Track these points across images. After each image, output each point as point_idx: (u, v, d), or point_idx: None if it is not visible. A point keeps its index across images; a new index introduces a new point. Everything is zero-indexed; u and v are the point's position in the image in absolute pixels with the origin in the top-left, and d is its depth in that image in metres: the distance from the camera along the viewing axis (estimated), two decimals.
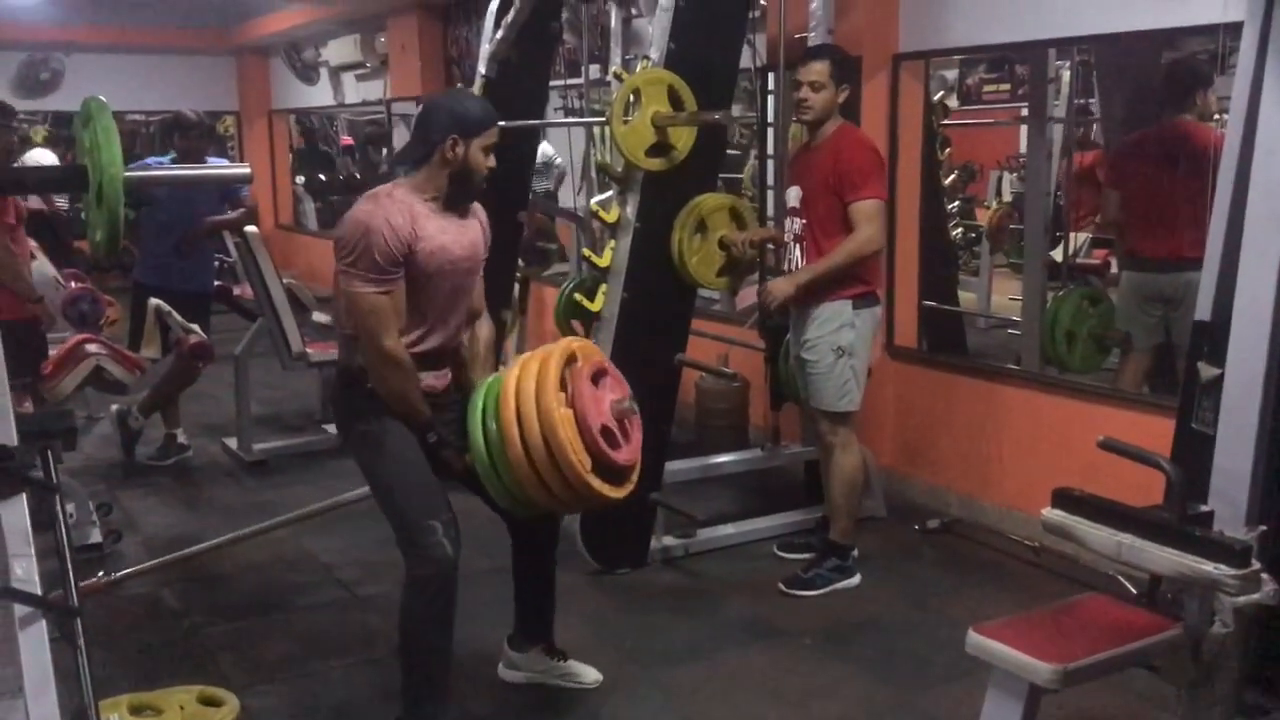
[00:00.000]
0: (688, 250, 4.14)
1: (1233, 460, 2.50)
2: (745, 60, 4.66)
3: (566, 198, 7.62)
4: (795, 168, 4.26)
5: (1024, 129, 8.05)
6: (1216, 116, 4.48)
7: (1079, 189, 6.79)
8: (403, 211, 2.86)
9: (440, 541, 2.83)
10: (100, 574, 3.49)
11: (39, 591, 1.91)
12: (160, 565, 4.09)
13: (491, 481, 2.83)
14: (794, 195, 4.17)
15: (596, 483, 2.78)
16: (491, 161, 2.98)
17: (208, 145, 5.91)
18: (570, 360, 2.86)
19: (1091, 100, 6.78)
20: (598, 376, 2.88)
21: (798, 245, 4.13)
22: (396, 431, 2.95)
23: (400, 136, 10.25)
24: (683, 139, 4.03)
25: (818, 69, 3.98)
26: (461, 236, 3.00)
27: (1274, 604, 2.27)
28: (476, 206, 3.11)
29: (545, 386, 2.74)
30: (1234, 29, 3.05)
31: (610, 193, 5.19)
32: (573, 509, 2.91)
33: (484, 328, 3.20)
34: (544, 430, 2.71)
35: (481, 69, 5.38)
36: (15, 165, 5.30)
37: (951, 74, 8.92)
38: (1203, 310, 2.67)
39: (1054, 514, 2.49)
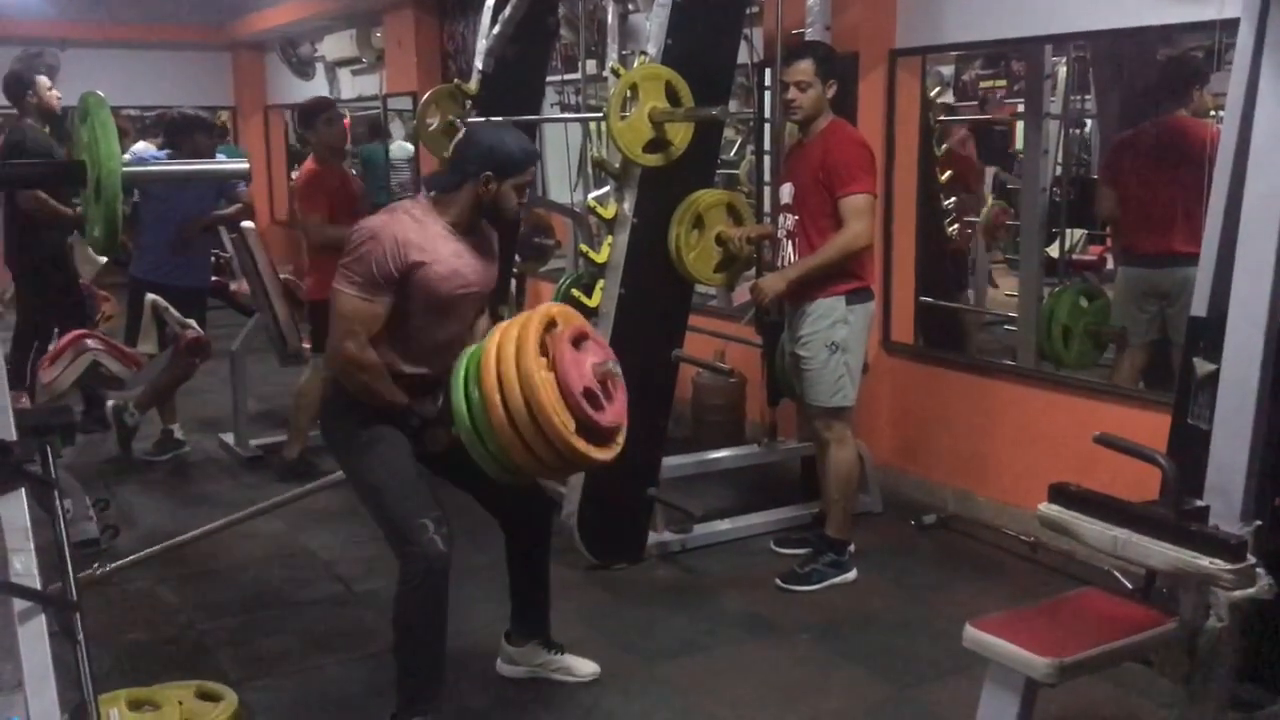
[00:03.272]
0: (685, 246, 4.15)
1: (1228, 455, 2.51)
2: (742, 56, 4.66)
3: (563, 193, 7.61)
4: (788, 164, 4.27)
5: (1020, 125, 8.05)
6: (1212, 113, 4.48)
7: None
8: (416, 229, 2.87)
9: (432, 538, 2.83)
10: (95, 566, 3.49)
11: (38, 586, 1.92)
12: (151, 555, 4.06)
13: (476, 448, 2.79)
14: (787, 192, 4.18)
15: (581, 444, 2.75)
16: (524, 198, 2.99)
17: (217, 142, 5.90)
18: (550, 325, 2.84)
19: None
20: (578, 340, 2.85)
21: (790, 241, 4.14)
22: (383, 436, 2.95)
23: (396, 131, 10.26)
24: (680, 135, 4.03)
25: (802, 68, 3.98)
26: (476, 261, 3.01)
27: (1269, 598, 2.28)
28: (488, 230, 3.12)
29: (525, 350, 2.72)
30: (1230, 25, 3.06)
31: (607, 188, 5.20)
32: (560, 473, 2.87)
33: (482, 321, 3.20)
34: (525, 393, 2.69)
35: (478, 64, 5.38)
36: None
37: (948, 70, 8.91)
38: (1199, 306, 2.68)
39: (1050, 509, 2.50)
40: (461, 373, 2.81)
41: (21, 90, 5.83)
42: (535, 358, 2.73)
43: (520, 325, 2.80)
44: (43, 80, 5.87)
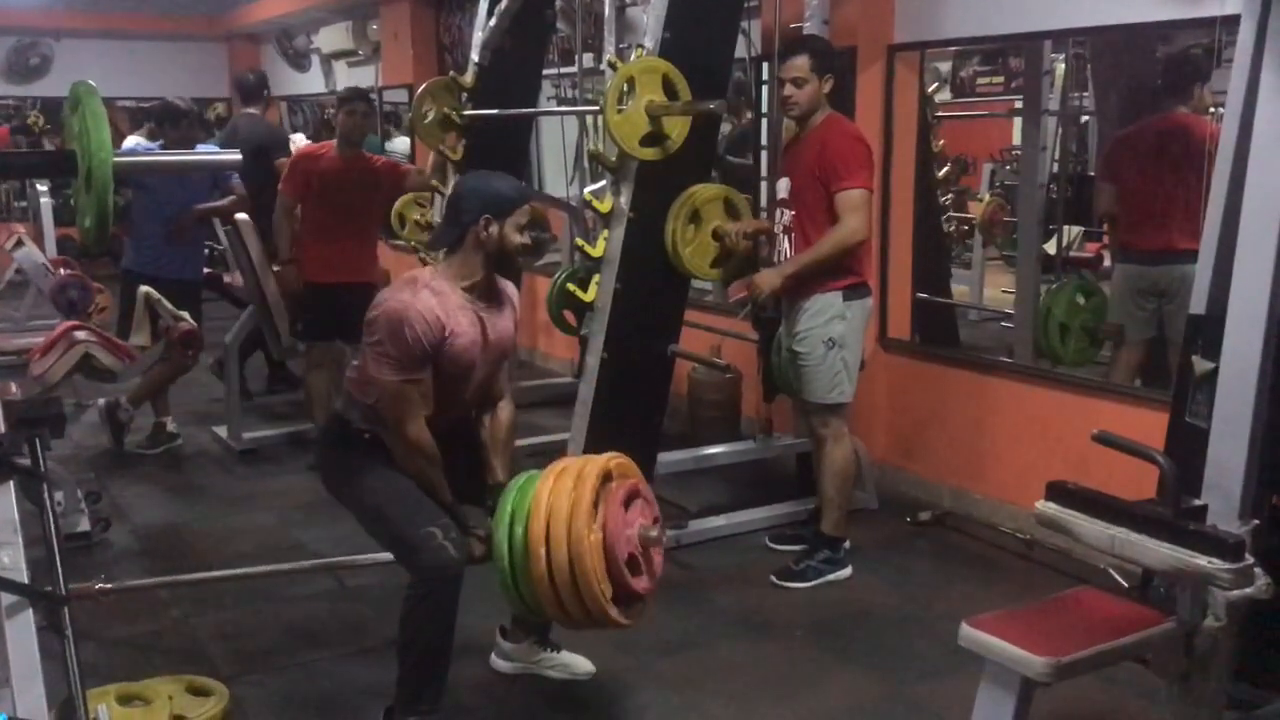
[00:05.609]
0: (681, 241, 4.12)
1: (1226, 454, 2.49)
2: (740, 50, 4.64)
3: (559, 187, 7.59)
4: (786, 159, 4.26)
5: (1018, 122, 8.04)
6: (1211, 110, 4.47)
7: None
8: (438, 304, 2.85)
9: (442, 544, 2.81)
10: (97, 581, 3.43)
11: (26, 580, 1.90)
12: (162, 585, 3.97)
13: (508, 588, 2.78)
14: (784, 187, 4.17)
15: (614, 612, 2.72)
16: (526, 239, 2.96)
17: (200, 134, 5.90)
18: (605, 479, 2.78)
19: None
20: (630, 498, 2.80)
21: (787, 237, 4.13)
22: (380, 462, 2.94)
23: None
24: (677, 129, 4.01)
25: (798, 64, 3.96)
26: (495, 326, 3.00)
27: (1266, 598, 2.26)
28: (507, 285, 3.10)
29: (579, 509, 2.67)
30: (1230, 22, 3.04)
31: (603, 182, 5.18)
32: (580, 626, 2.85)
33: (505, 411, 3.16)
34: (571, 555, 2.65)
35: (474, 57, 5.35)
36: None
37: (945, 66, 8.91)
38: (1197, 304, 2.66)
39: (1047, 507, 2.48)
40: (508, 509, 2.76)
41: (261, 90, 7.12)
42: (588, 519, 2.67)
43: (576, 477, 2.73)
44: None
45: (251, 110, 7.04)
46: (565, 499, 2.69)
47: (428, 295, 2.86)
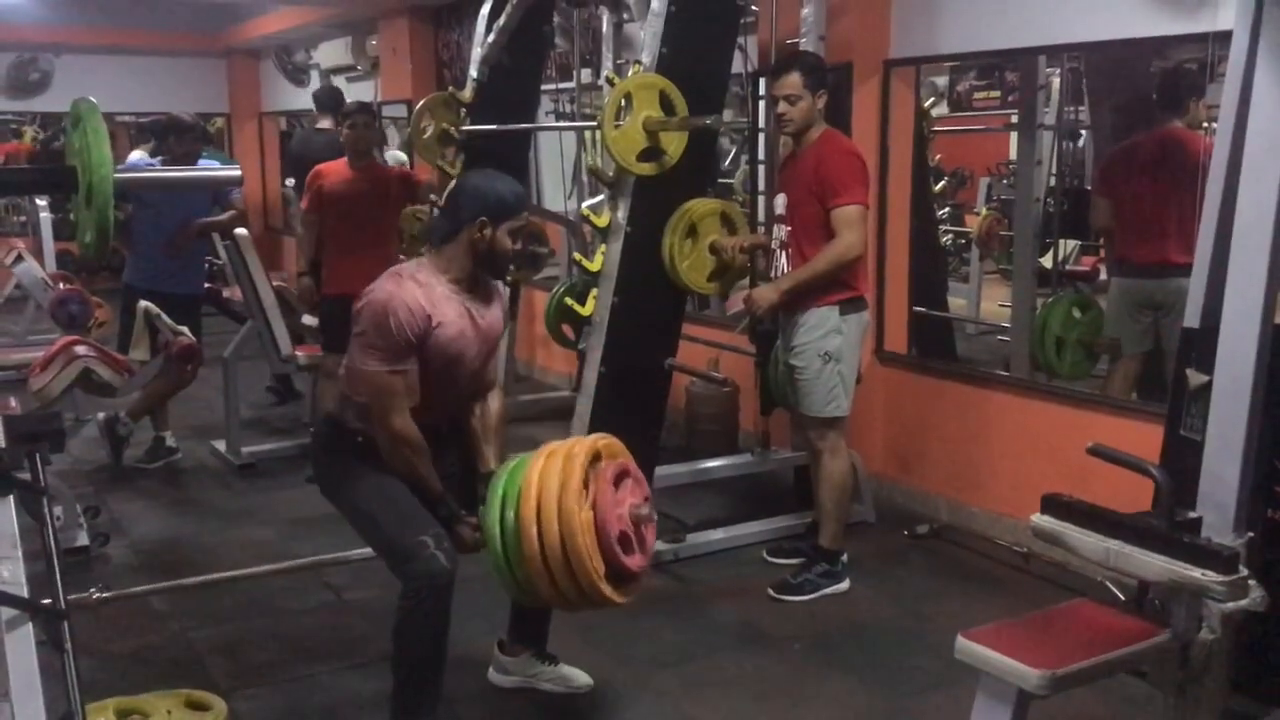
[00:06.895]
0: (678, 255, 4.14)
1: (1221, 467, 2.50)
2: (737, 65, 4.66)
3: (557, 202, 7.61)
4: (782, 175, 4.28)
5: (1014, 136, 8.07)
6: (1205, 125, 4.50)
7: None
8: (423, 295, 2.86)
9: (434, 554, 2.81)
10: (94, 590, 3.44)
11: (25, 595, 1.90)
12: (157, 590, 3.98)
13: (501, 571, 2.79)
14: (780, 202, 4.19)
15: (608, 589, 2.73)
16: (518, 244, 2.98)
17: (201, 148, 5.94)
18: (595, 459, 2.80)
19: None
20: (619, 477, 2.82)
21: (784, 252, 4.14)
22: (375, 467, 2.94)
23: (391, 139, 10.24)
24: (674, 144, 4.03)
25: (791, 81, 3.99)
26: (481, 320, 3.00)
27: (1261, 610, 2.27)
28: (494, 282, 3.11)
29: (568, 487, 2.69)
30: (1223, 37, 3.06)
31: (601, 197, 5.19)
32: (576, 608, 2.87)
33: (495, 401, 3.17)
34: (563, 532, 2.66)
35: (473, 72, 5.37)
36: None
37: (941, 80, 8.94)
38: (1191, 317, 2.68)
39: (1043, 520, 2.49)
40: (499, 492, 2.78)
41: (328, 107, 7.42)
42: (578, 496, 2.69)
43: (565, 457, 2.75)
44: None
45: (322, 125, 7.42)
46: (555, 478, 2.70)
47: (412, 286, 2.87)
